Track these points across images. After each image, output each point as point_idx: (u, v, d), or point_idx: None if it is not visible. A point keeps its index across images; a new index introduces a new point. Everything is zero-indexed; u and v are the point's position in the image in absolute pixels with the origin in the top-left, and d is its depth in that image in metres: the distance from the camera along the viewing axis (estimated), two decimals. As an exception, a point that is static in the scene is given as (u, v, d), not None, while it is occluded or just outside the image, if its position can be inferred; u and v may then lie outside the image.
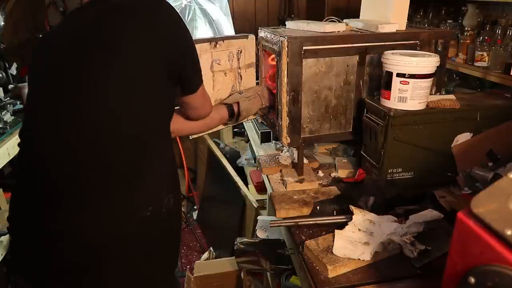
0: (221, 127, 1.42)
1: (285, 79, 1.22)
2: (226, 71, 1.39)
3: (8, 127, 1.84)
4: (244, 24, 3.32)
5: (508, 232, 0.43)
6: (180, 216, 1.14)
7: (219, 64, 1.35)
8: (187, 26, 1.01)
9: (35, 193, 0.93)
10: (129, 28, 0.90)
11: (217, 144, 3.02)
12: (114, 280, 0.96)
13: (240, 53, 1.41)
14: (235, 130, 3.22)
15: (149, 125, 0.95)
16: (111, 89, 0.89)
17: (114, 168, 0.91)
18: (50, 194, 0.91)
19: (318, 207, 1.16)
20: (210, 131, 1.41)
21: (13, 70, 2.32)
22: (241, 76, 1.44)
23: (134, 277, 0.98)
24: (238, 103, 1.35)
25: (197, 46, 1.25)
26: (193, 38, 1.07)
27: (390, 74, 1.15)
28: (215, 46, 1.32)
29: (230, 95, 1.41)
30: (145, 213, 0.94)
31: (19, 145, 0.98)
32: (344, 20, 1.47)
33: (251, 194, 2.33)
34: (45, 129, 0.91)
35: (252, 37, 1.43)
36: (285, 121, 1.27)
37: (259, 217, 1.88)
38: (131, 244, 0.94)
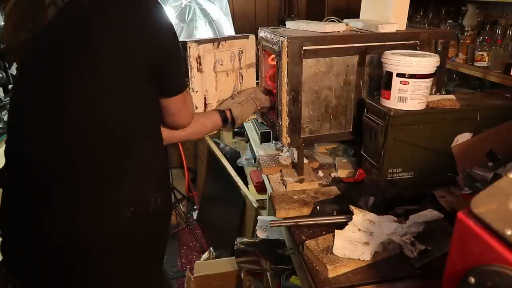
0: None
1: (285, 79, 1.22)
2: (228, 71, 1.39)
3: (8, 127, 1.83)
4: (244, 24, 3.32)
5: (508, 232, 0.43)
6: (169, 217, 1.13)
7: (221, 64, 1.35)
8: (173, 25, 0.99)
9: (24, 191, 0.94)
10: (113, 24, 0.90)
11: (217, 144, 3.03)
12: (102, 279, 0.96)
13: (241, 53, 1.41)
14: (235, 130, 3.22)
15: (133, 125, 0.94)
16: (93, 87, 0.89)
17: (100, 168, 0.91)
18: (39, 194, 0.92)
19: (318, 207, 1.16)
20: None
21: (13, 70, 2.32)
22: (242, 76, 1.44)
23: (122, 276, 0.98)
24: (230, 109, 1.32)
25: (201, 47, 1.25)
26: (194, 38, 1.06)
27: (390, 74, 1.15)
28: (218, 46, 1.32)
29: (222, 102, 1.39)
30: (127, 213, 0.94)
31: (6, 141, 0.98)
32: (344, 20, 1.47)
33: (251, 194, 2.33)
34: (32, 127, 0.92)
35: (252, 37, 1.43)
36: (285, 121, 1.28)
37: (259, 217, 1.88)
38: (116, 243, 0.95)
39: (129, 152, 0.94)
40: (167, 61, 0.98)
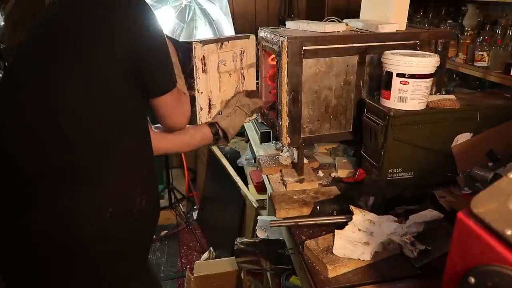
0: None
1: (285, 79, 1.22)
2: (230, 71, 1.38)
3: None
4: (244, 25, 3.32)
5: (508, 232, 0.43)
6: (156, 218, 1.11)
7: (224, 65, 1.34)
8: (158, 24, 0.97)
9: (5, 188, 0.93)
10: (91, 23, 0.90)
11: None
12: (80, 278, 0.96)
13: (243, 53, 1.40)
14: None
15: (111, 125, 0.93)
16: (67, 86, 0.89)
17: (76, 168, 0.91)
18: (19, 191, 0.92)
19: (318, 207, 1.16)
20: None
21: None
22: (244, 77, 1.43)
23: (102, 276, 0.98)
24: (217, 123, 1.29)
25: (205, 47, 1.24)
26: (194, 38, 1.05)
27: (390, 74, 1.15)
28: (221, 47, 1.31)
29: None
30: (105, 214, 0.93)
31: None
32: (344, 20, 1.47)
33: (251, 194, 2.33)
34: (11, 126, 0.92)
35: (252, 37, 1.43)
36: (285, 121, 1.28)
37: (259, 217, 1.88)
38: (94, 243, 0.94)
39: (106, 153, 0.93)
40: (145, 61, 0.95)
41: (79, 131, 0.90)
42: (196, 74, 1.25)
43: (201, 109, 1.30)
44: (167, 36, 1.14)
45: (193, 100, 1.24)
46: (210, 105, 1.33)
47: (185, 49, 1.21)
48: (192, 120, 1.23)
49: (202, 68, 1.25)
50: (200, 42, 1.23)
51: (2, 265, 0.97)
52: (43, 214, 0.91)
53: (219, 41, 1.31)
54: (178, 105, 1.09)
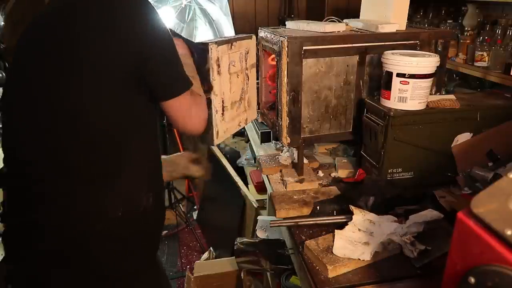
0: None
1: (285, 79, 1.22)
2: (238, 72, 1.35)
3: (8, 127, 1.83)
4: (244, 25, 3.32)
5: (508, 232, 0.43)
6: (162, 216, 1.12)
7: (233, 66, 1.31)
8: (163, 24, 0.95)
9: (21, 187, 0.94)
10: (95, 24, 0.89)
11: (217, 144, 3.02)
12: (86, 275, 0.96)
13: (247, 53, 1.39)
14: (235, 130, 3.21)
15: (121, 125, 0.93)
16: (81, 88, 0.89)
17: (88, 168, 0.91)
18: (33, 190, 0.93)
19: (318, 207, 1.16)
20: None
21: (13, 70, 2.31)
22: (248, 77, 1.42)
23: (105, 275, 0.98)
24: None
25: (219, 48, 1.19)
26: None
27: (390, 74, 1.15)
28: (231, 47, 1.29)
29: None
30: (117, 213, 0.93)
31: (2, 138, 0.99)
32: (344, 20, 1.47)
33: (251, 194, 2.33)
34: (22, 126, 0.93)
35: (254, 37, 1.42)
36: (285, 121, 1.28)
37: (259, 217, 1.88)
38: (102, 243, 0.95)
39: (118, 152, 0.94)
40: (151, 60, 0.93)
41: (91, 132, 0.90)
42: (212, 76, 1.19)
43: (216, 111, 1.25)
44: (183, 38, 1.12)
45: (208, 103, 1.19)
46: (223, 108, 1.29)
47: (200, 50, 1.16)
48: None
49: (217, 70, 1.21)
50: (215, 43, 1.19)
51: (10, 262, 0.98)
52: (53, 214, 0.91)
53: (230, 41, 1.27)
54: (191, 109, 1.03)
